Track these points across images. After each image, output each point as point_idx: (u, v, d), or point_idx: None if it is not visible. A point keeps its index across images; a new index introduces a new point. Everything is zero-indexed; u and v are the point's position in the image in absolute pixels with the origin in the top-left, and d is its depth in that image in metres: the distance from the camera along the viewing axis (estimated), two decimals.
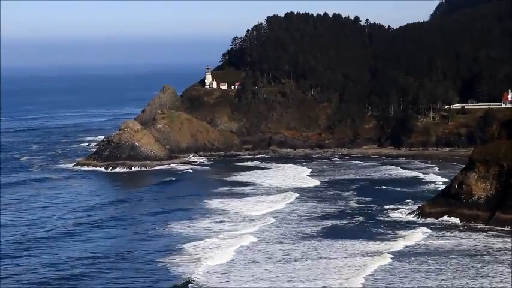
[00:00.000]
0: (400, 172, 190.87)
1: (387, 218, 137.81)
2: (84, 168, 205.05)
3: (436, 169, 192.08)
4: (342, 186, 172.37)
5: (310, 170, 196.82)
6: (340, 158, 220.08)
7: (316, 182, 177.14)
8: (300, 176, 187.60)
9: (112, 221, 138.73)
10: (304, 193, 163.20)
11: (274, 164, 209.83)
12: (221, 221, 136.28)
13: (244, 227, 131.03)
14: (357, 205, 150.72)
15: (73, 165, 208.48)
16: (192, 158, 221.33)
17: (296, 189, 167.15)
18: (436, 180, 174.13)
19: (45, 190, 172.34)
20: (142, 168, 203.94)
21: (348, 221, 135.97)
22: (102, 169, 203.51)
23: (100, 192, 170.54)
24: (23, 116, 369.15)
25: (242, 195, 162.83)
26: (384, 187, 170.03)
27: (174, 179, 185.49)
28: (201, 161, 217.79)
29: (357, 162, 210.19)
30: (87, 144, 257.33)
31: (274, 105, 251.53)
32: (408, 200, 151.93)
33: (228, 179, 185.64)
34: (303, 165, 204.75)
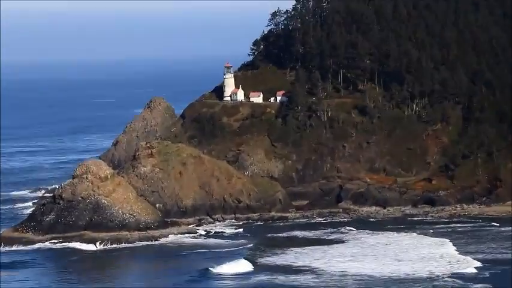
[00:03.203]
0: None
1: None
2: (9, 248, 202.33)
3: None
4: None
5: (414, 242, 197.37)
6: (466, 222, 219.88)
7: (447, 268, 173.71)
8: (397, 255, 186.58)
9: None
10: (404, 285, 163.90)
11: (351, 233, 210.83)
12: None
13: None
14: None
15: None
16: (203, 225, 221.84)
17: (396, 280, 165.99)
18: None
19: None
20: (115, 245, 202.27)
21: None
22: (43, 246, 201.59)
23: None
24: None
25: None
26: None
27: (170, 263, 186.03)
28: (219, 229, 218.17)
29: (498, 228, 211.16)
30: (15, 204, 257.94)
31: (347, 129, 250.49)
32: None
33: (266, 260, 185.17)
34: (400, 234, 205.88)
